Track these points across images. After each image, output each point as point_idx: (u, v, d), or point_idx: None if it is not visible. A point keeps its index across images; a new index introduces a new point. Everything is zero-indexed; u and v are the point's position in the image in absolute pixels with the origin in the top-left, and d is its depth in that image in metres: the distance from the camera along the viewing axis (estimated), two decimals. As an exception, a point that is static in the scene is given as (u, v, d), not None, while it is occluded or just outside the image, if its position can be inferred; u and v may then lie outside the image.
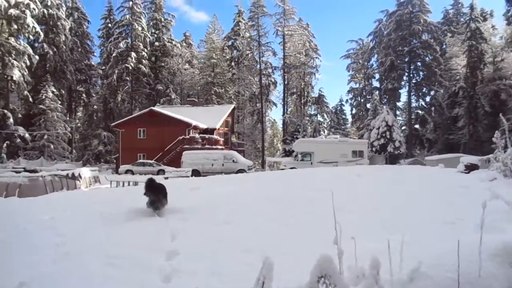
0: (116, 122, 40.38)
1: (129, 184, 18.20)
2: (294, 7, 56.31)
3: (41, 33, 41.04)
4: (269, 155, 64.30)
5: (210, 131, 38.80)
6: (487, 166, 11.99)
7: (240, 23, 58.46)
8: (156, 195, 6.84)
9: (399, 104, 54.09)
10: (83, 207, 7.89)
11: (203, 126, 37.94)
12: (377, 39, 53.42)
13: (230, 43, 59.06)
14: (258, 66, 55.74)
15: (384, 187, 8.87)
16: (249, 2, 59.12)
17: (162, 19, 55.93)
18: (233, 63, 57.59)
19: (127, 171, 30.69)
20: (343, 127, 52.89)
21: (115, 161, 41.39)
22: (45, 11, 43.76)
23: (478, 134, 43.68)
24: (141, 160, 32.87)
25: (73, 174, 19.31)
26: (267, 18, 55.05)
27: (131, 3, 51.49)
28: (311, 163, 28.76)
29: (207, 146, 34.81)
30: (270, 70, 57.29)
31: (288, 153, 47.95)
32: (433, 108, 49.40)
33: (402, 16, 47.55)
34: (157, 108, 40.19)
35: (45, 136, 42.19)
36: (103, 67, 53.85)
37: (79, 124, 57.01)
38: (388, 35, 48.38)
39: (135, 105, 53.26)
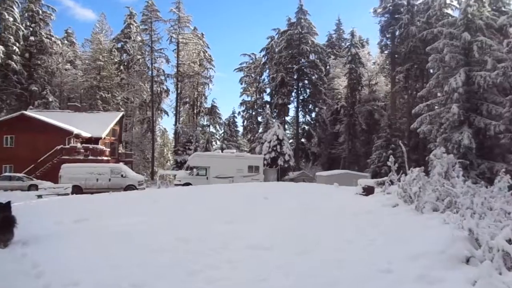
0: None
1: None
2: (189, 15, 55.42)
3: None
4: (159, 165, 61.71)
5: (95, 140, 35.42)
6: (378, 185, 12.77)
7: (131, 26, 55.22)
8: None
9: (287, 118, 56.84)
10: None
11: (86, 134, 34.42)
12: (269, 55, 55.35)
13: (119, 45, 55.26)
14: (150, 72, 53.22)
15: (297, 216, 8.57)
16: (142, 5, 56.26)
17: (40, 12, 49.76)
18: (122, 67, 53.92)
19: (-15, 187, 25.98)
20: (235, 138, 53.24)
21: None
22: None
23: (356, 149, 48.09)
24: (7, 173, 28.20)
25: None
26: (161, 23, 53.11)
27: (0, -11, 44.71)
28: (207, 178, 28.03)
29: (90, 157, 31.61)
30: (162, 77, 55.17)
31: (180, 165, 46.44)
32: (317, 124, 52.87)
33: (292, 36, 50.10)
34: (30, 112, 35.13)
35: None
36: (-40, 60, 45.50)
37: None
38: (279, 52, 50.47)
39: (1, 107, 46.12)
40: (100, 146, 34.46)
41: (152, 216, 9.07)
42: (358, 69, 46.57)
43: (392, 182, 11.19)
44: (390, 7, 45.06)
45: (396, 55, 44.28)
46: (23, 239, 6.40)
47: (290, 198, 11.62)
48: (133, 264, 5.01)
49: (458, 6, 30.26)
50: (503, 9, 33.35)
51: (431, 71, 34.18)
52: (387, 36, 45.68)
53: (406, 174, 9.66)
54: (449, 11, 38.74)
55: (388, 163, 11.07)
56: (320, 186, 16.87)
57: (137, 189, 24.40)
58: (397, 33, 43.56)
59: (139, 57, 53.08)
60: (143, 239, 6.39)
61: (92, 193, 21.46)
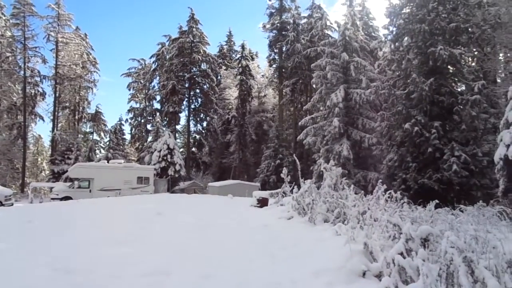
0: None
1: None
2: (70, 13, 50.71)
3: None
4: (31, 176, 55.02)
5: (-52, 148, 29.97)
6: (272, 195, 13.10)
7: (-1, 19, 48.48)
8: None
9: (178, 127, 55.81)
10: None
11: None
12: (160, 61, 53.82)
13: (-17, 39, 48.05)
14: (22, 72, 47.19)
15: (196, 233, 8.21)
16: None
17: None
18: (-14, 65, 46.88)
19: None
20: (122, 147, 50.25)
21: None
22: None
23: (246, 158, 49.34)
24: None
25: None
26: (36, 19, 47.50)
27: None
28: (90, 191, 25.68)
29: None
30: (37, 79, 49.18)
31: (57, 176, 42.02)
32: (209, 133, 52.98)
33: (184, 44, 49.52)
34: None
35: None
36: None
37: None
38: (171, 60, 49.42)
39: None
40: (-45, 156, 29.25)
41: (23, 241, 7.79)
42: (249, 80, 48.06)
43: (285, 194, 11.58)
44: (278, 24, 47.63)
45: (283, 69, 46.87)
46: None
47: (185, 213, 11.20)
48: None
49: (337, 28, 33.27)
50: (373, 34, 37.87)
51: (314, 86, 36.98)
52: (275, 51, 48.14)
53: (299, 187, 10.05)
54: (329, 32, 42.57)
55: (282, 175, 11.44)
56: (214, 198, 16.72)
57: (3, 205, 21.15)
58: (284, 48, 46.18)
59: (8, 54, 46.65)
60: (11, 272, 5.33)
61: None
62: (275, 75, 49.51)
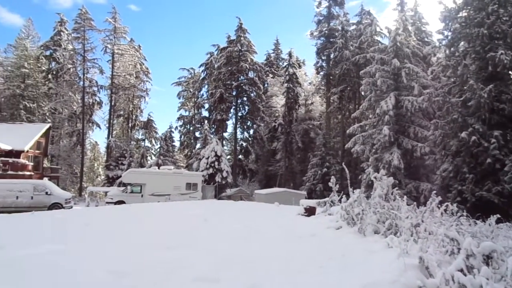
0: None
1: None
2: (126, 26, 53.52)
3: None
4: (88, 181, 58.15)
5: (16, 153, 32.37)
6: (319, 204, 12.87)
7: (62, 33, 52.06)
8: None
9: (225, 134, 56.71)
10: None
11: (6, 147, 31.33)
12: (208, 70, 55.15)
13: (47, 53, 51.71)
14: (82, 82, 50.27)
15: (242, 240, 8.21)
16: (74, 12, 53.38)
17: (-44, 12, 45.22)
18: (50, 76, 50.37)
19: None
20: (171, 154, 51.77)
21: None
22: None
23: (292, 166, 49.06)
24: None
25: None
26: (95, 32, 50.58)
27: None
28: (142, 196, 26.69)
29: (10, 172, 28.78)
30: (95, 89, 52.24)
31: (111, 181, 44.08)
32: (255, 141, 53.35)
33: (231, 53, 50.45)
34: None
35: None
36: None
37: None
38: (219, 69, 50.47)
39: None
40: (22, 160, 31.55)
41: (81, 243, 8.22)
42: (295, 88, 47.94)
43: (333, 203, 11.34)
44: (326, 31, 47.25)
45: (331, 77, 46.30)
46: None
47: (232, 220, 11.29)
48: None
49: (387, 34, 32.41)
50: (426, 39, 36.46)
51: (363, 93, 36.15)
52: (323, 58, 47.74)
53: (348, 196, 9.81)
54: (379, 38, 41.56)
55: (330, 184, 11.22)
56: (261, 206, 16.73)
57: (64, 208, 22.51)
58: (332, 55, 45.66)
59: (70, 66, 49.98)
60: (69, 274, 5.61)
61: (10, 212, 19.39)
62: (323, 83, 49.07)
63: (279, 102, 51.15)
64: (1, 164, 28.94)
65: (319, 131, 47.97)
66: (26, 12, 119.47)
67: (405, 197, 9.16)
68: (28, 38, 52.66)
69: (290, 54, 50.42)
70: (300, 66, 55.58)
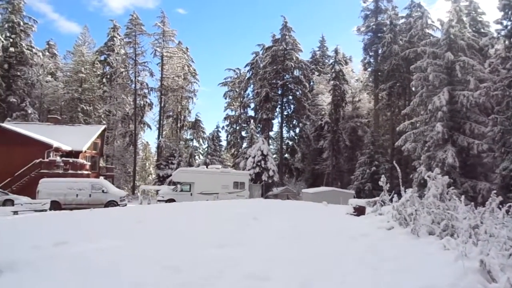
0: None
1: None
2: (174, 29, 55.25)
3: None
4: (140, 179, 60.58)
5: (75, 154, 34.42)
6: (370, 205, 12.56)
7: (115, 39, 54.70)
8: None
9: (271, 133, 56.80)
10: None
11: (66, 148, 33.43)
12: (254, 70, 55.50)
13: (102, 58, 54.65)
14: (133, 85, 52.54)
15: (292, 239, 8.21)
16: (126, 18, 55.90)
17: (21, 23, 48.72)
18: (104, 80, 53.16)
19: (-42, 202, 24.75)
20: (218, 153, 52.69)
21: None
22: None
23: (340, 165, 48.21)
24: (-19, 188, 27.02)
25: None
26: (145, 37, 52.67)
27: (-21, -1, 43.68)
28: (191, 194, 27.44)
29: (70, 171, 30.63)
30: (146, 91, 54.49)
31: (162, 179, 45.64)
32: (301, 139, 53.01)
33: (277, 52, 50.41)
34: (7, 125, 33.99)
35: None
36: None
37: None
38: (264, 68, 50.63)
39: (-23, 118, 44.68)
40: (80, 160, 33.50)
41: (136, 239, 8.59)
42: (342, 86, 47.07)
43: (384, 203, 11.04)
44: (373, 26, 45.96)
45: (379, 73, 44.98)
46: (-2, 265, 5.90)
47: (280, 219, 11.30)
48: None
49: (440, 26, 30.93)
50: (482, 30, 34.42)
51: (414, 89, 34.81)
52: (370, 54, 46.51)
53: (399, 195, 9.51)
54: (431, 31, 39.79)
55: (380, 183, 10.92)
56: (308, 205, 16.62)
57: (118, 205, 23.66)
58: (380, 51, 44.36)
59: (122, 70, 52.40)
60: (126, 269, 5.90)
61: (71, 209, 20.66)
62: (370, 79, 47.80)
63: (325, 100, 50.43)
64: (62, 164, 30.84)
65: (367, 129, 46.81)
66: (83, 20, 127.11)
67: (462, 197, 8.73)
68: (85, 44, 55.82)
69: (336, 51, 49.56)
70: (346, 63, 54.52)
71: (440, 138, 24.26)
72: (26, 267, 6.08)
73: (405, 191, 9.41)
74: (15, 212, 19.53)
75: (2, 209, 21.82)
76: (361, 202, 12.24)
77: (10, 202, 24.15)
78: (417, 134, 27.57)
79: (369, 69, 47.44)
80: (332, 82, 47.56)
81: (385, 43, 42.05)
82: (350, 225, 9.72)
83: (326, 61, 60.62)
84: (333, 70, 48.08)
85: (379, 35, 44.71)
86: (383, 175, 11.48)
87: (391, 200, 10.84)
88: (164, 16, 53.73)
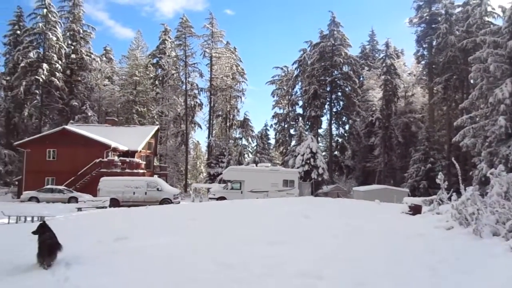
0: (20, 141, 35.53)
1: (32, 220, 15.43)
2: (222, 30, 56.24)
3: None
4: (192, 178, 62.28)
5: (131, 153, 36.12)
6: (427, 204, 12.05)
7: (166, 42, 56.70)
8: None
9: (320, 131, 56.09)
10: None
11: (123, 148, 35.18)
12: (301, 67, 55.04)
13: (154, 61, 56.87)
14: (184, 86, 54.15)
15: (345, 238, 8.06)
16: (176, 22, 57.63)
17: (81, 31, 51.96)
18: (157, 82, 55.29)
19: (31, 198, 26.88)
20: (267, 151, 52.89)
21: (16, 183, 36.49)
22: None
23: (392, 162, 46.69)
24: (49, 186, 29.15)
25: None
26: (194, 38, 54.11)
27: (45, 10, 46.95)
28: (242, 192, 27.80)
29: (127, 170, 32.18)
30: (196, 91, 55.97)
31: (212, 177, 46.61)
32: (351, 136, 51.90)
33: (325, 48, 49.69)
34: (71, 127, 36.40)
35: None
36: (8, 78, 47.96)
37: (-26, 140, 49.97)
38: (312, 65, 50.08)
39: (45, 121, 48.24)
40: (136, 159, 35.08)
41: (190, 235, 8.88)
42: (394, 80, 45.49)
43: (442, 201, 10.55)
44: (427, 17, 44.00)
45: (433, 66, 43.02)
46: (66, 258, 6.34)
47: (332, 217, 11.17)
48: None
49: (501, 13, 28.99)
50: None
51: (472, 81, 32.88)
52: (424, 46, 44.61)
53: (458, 194, 9.04)
54: (491, 19, 37.35)
55: (437, 181, 10.45)
56: (360, 203, 16.26)
57: (172, 202, 24.51)
58: (434, 43, 42.38)
59: (173, 71, 54.19)
60: (183, 264, 6.12)
61: (128, 206, 21.77)
62: (424, 72, 45.80)
63: (376, 95, 48.97)
64: (120, 163, 32.48)
65: (422, 124, 44.90)
66: (136, 25, 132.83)
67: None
68: (138, 48, 58.35)
69: (387, 45, 47.99)
70: (398, 57, 52.59)
71: (503, 132, 22.73)
72: (91, 261, 6.51)
73: (465, 189, 8.93)
74: (79, 209, 20.93)
75: (67, 206, 23.48)
76: (417, 200, 11.75)
77: (75, 199, 25.91)
78: (476, 129, 26.04)
79: (423, 62, 45.49)
80: (383, 76, 46.14)
81: (440, 34, 40.03)
82: (405, 224, 9.40)
83: (377, 55, 58.88)
84: (384, 65, 46.63)
85: (433, 26, 42.68)
86: (440, 173, 10.97)
87: (449, 199, 10.34)
88: (212, 17, 54.87)
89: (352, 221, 10.13)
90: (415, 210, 10.95)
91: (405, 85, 48.44)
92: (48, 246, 6.12)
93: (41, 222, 6.97)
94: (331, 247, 7.24)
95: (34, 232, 6.61)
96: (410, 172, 38.96)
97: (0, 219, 16.58)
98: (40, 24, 46.41)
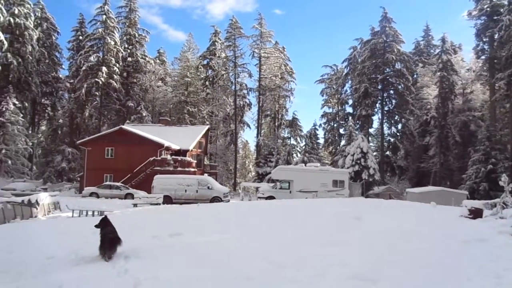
0: (82, 140, 37.88)
1: (93, 215, 16.45)
2: (271, 30, 56.52)
3: (5, 42, 39.00)
4: (241, 177, 63.06)
5: (183, 152, 37.28)
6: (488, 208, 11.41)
7: (216, 43, 57.91)
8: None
9: (371, 130, 54.63)
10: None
11: (175, 147, 36.39)
12: (352, 65, 53.98)
13: (205, 62, 58.33)
14: (233, 87, 55.03)
15: (399, 241, 7.79)
16: (226, 23, 58.77)
17: (136, 35, 54.43)
18: (207, 83, 56.70)
19: (91, 194, 28.61)
20: (316, 151, 52.43)
21: (78, 179, 38.94)
22: (12, 20, 41.53)
23: (449, 163, 44.49)
24: (107, 183, 30.87)
25: (29, 200, 16.92)
26: (243, 39, 54.78)
27: (104, 16, 49.80)
28: (290, 192, 27.76)
29: (179, 168, 33.23)
30: (245, 91, 56.67)
31: (261, 177, 46.94)
32: (404, 136, 50.09)
33: (376, 45, 48.34)
34: (127, 127, 38.27)
35: (3, 151, 39.27)
36: (71, 81, 51.39)
37: (42, 139, 53.94)
38: (363, 63, 48.91)
39: (103, 121, 51.09)
40: (188, 158, 36.14)
41: (242, 233, 9.02)
42: (451, 77, 43.29)
43: (505, 205, 9.94)
44: (488, 9, 41.33)
45: (495, 60, 40.36)
46: (125, 251, 6.70)
47: (384, 218, 10.87)
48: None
49: None
50: None
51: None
52: (484, 40, 41.94)
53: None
54: (561, 8, 34.45)
55: (501, 183, 9.85)
56: (414, 205, 15.66)
57: (222, 201, 25.02)
58: (496, 36, 39.73)
59: (223, 72, 55.22)
60: (235, 261, 6.25)
61: (180, 203, 22.47)
62: (485, 68, 43.04)
63: (431, 93, 46.85)
64: (172, 162, 33.62)
65: (482, 123, 42.31)
66: (188, 28, 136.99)
67: None
68: (189, 50, 60.09)
69: (443, 40, 45.72)
70: (455, 52, 49.88)
71: None
72: (148, 254, 6.83)
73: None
74: (135, 205, 21.94)
75: (124, 202, 24.72)
76: (477, 203, 11.12)
77: (131, 196, 27.19)
78: (545, 128, 24.15)
79: (483, 57, 42.77)
80: (438, 73, 44.07)
81: (502, 27, 37.47)
82: (465, 229, 8.94)
83: (432, 51, 56.26)
84: (439, 61, 44.48)
85: (495, 18, 40.02)
86: (504, 174, 10.32)
87: (514, 203, 9.72)
88: (261, 18, 55.22)
89: (406, 223, 9.81)
90: (476, 213, 10.37)
91: (463, 81, 45.92)
92: (109, 240, 6.52)
93: (103, 216, 7.41)
94: (383, 250, 7.06)
95: (96, 226, 7.05)
96: (469, 173, 36.86)
97: (65, 212, 17.87)
98: (100, 30, 49.19)
